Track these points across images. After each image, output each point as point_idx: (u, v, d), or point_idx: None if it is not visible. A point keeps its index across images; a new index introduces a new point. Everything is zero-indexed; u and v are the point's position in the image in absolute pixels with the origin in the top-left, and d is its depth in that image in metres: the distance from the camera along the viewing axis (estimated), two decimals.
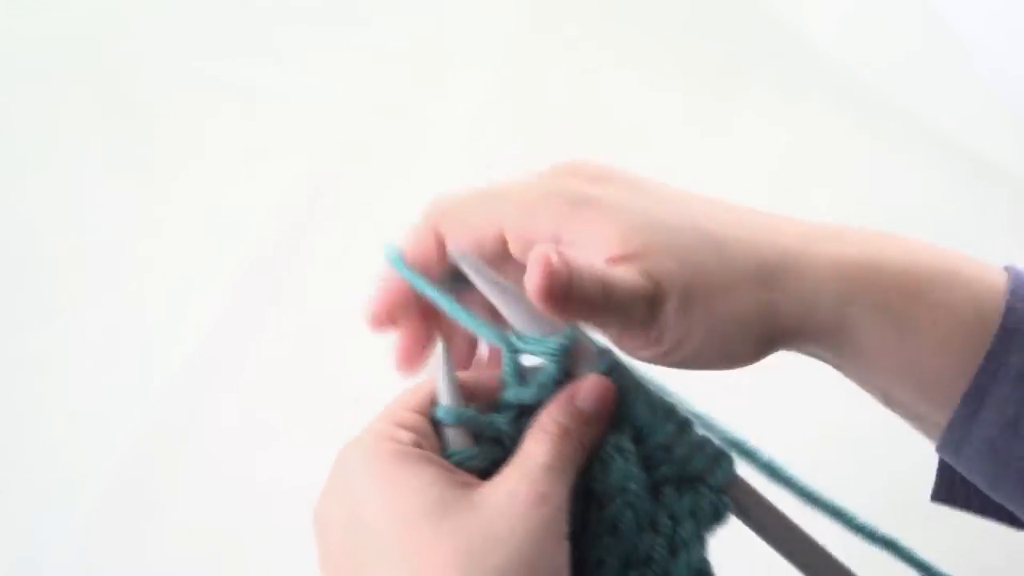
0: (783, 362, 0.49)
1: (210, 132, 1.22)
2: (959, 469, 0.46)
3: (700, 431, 0.46)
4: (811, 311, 0.43)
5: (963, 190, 1.21)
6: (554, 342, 0.45)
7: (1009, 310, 0.43)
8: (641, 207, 0.44)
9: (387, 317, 0.50)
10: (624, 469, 0.44)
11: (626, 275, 0.41)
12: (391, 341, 0.50)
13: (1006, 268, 0.45)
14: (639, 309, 0.41)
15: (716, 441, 0.46)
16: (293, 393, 0.99)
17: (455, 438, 0.44)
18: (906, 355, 0.44)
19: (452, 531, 0.38)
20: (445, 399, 0.45)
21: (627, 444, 0.45)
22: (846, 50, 1.34)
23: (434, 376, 0.46)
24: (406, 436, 0.42)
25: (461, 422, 0.44)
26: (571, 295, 0.39)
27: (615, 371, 0.45)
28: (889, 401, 0.46)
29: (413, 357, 0.49)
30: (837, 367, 0.46)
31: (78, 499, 0.92)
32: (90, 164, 1.18)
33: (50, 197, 1.14)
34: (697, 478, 0.45)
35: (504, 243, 0.45)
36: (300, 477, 0.95)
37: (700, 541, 0.46)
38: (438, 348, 0.46)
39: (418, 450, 0.41)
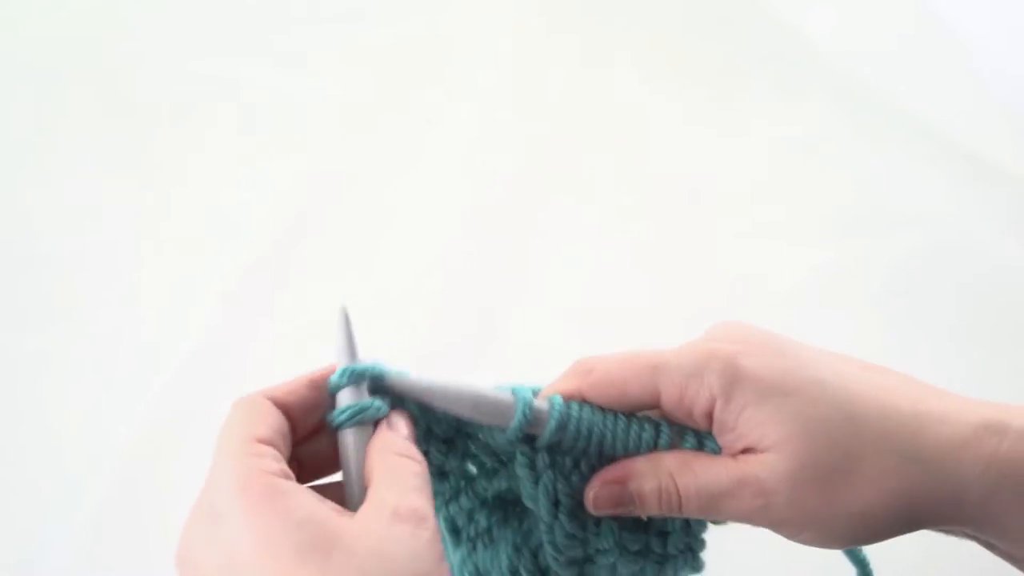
0: None
1: (210, 132, 1.22)
2: None
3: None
4: (954, 499, 0.44)
5: (963, 190, 1.20)
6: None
7: None
8: (784, 389, 0.45)
9: None
10: (615, 524, 0.49)
11: (731, 507, 0.46)
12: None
13: None
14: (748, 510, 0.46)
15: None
16: None
17: (347, 397, 0.45)
18: None
19: (341, 564, 0.37)
20: (345, 360, 0.46)
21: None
22: (846, 50, 1.34)
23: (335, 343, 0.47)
24: (273, 464, 0.41)
25: (365, 377, 0.45)
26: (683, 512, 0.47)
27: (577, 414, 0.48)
28: None
29: None
30: (988, 548, 0.47)
31: (78, 499, 0.91)
32: (90, 164, 1.18)
33: (50, 197, 1.14)
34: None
35: (655, 404, 0.48)
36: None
37: (691, 550, 0.51)
38: (340, 314, 0.47)
39: (287, 482, 0.40)
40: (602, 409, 0.48)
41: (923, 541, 0.50)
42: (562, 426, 0.47)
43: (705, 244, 1.13)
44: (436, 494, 0.50)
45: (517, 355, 1.01)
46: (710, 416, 0.47)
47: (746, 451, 0.46)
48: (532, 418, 0.47)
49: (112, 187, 1.16)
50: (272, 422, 0.43)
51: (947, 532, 0.47)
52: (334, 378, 0.46)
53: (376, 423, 0.45)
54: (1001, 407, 0.46)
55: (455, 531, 0.51)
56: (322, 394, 0.46)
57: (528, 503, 0.48)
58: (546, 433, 0.47)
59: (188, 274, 1.08)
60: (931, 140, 1.25)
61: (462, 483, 0.50)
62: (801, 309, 1.03)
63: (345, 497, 0.44)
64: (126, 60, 1.28)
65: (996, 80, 1.26)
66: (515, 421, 0.46)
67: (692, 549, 0.50)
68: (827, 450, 0.44)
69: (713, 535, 0.52)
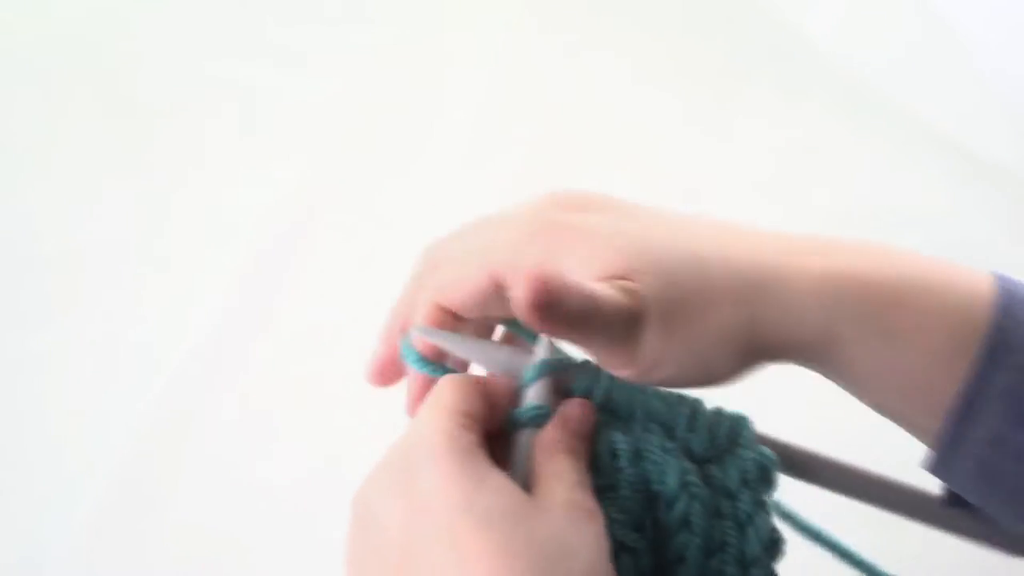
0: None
1: (210, 132, 1.22)
2: (950, 486, 0.46)
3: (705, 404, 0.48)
4: (795, 326, 0.44)
5: (963, 190, 1.21)
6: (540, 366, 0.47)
7: (994, 320, 0.43)
8: (624, 230, 0.44)
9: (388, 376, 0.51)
10: (679, 466, 0.46)
11: (609, 293, 0.42)
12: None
13: (993, 275, 0.46)
14: (620, 326, 0.42)
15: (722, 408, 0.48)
16: (293, 393, 0.99)
17: (538, 393, 0.46)
18: (894, 366, 0.44)
19: (528, 538, 0.37)
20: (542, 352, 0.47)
21: (668, 443, 0.47)
22: (846, 50, 1.34)
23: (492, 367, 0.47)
24: (474, 436, 0.41)
25: (553, 371, 0.46)
26: (559, 309, 0.40)
27: (608, 384, 0.47)
28: (883, 412, 0.46)
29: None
30: (826, 377, 0.46)
31: (78, 499, 0.91)
32: (90, 164, 1.18)
33: (50, 197, 1.14)
34: (728, 447, 0.47)
35: (502, 287, 0.46)
36: (300, 477, 0.96)
37: (761, 508, 0.47)
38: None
39: (485, 455, 0.41)
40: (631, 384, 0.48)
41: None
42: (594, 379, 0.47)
43: None
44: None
45: None
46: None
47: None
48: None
49: (112, 187, 1.16)
50: (478, 404, 0.43)
51: (796, 363, 0.46)
52: (529, 372, 0.46)
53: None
54: (827, 236, 0.46)
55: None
56: (512, 400, 0.46)
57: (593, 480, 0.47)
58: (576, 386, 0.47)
59: (188, 274, 1.08)
60: (931, 140, 1.25)
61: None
62: None
63: (513, 453, 0.45)
64: (126, 60, 1.28)
65: (996, 80, 1.26)
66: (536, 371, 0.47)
67: (762, 506, 0.47)
68: (678, 281, 0.43)
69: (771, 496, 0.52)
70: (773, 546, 0.47)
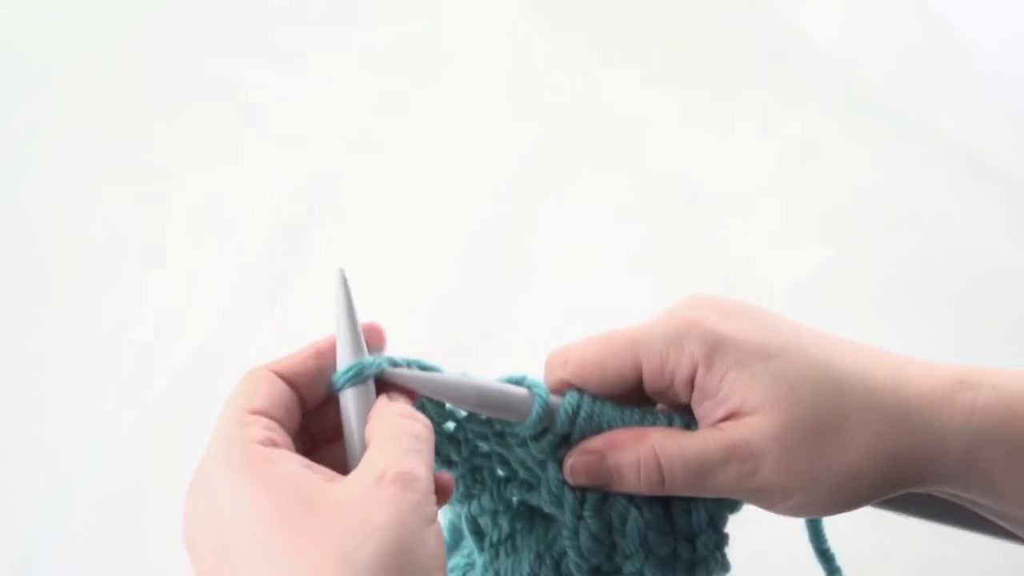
0: None
1: (210, 132, 1.22)
2: None
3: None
4: (937, 459, 0.44)
5: (963, 190, 1.20)
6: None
7: None
8: (766, 353, 0.45)
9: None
10: (642, 519, 0.48)
11: (723, 478, 0.45)
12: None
13: None
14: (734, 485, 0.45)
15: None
16: None
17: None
18: None
19: (320, 529, 0.37)
20: (345, 329, 0.46)
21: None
22: (846, 50, 1.34)
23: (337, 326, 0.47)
24: (259, 432, 0.41)
25: (367, 376, 0.45)
26: (666, 487, 0.46)
27: (589, 409, 0.48)
28: None
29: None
30: (966, 504, 0.47)
31: (78, 499, 0.91)
32: (90, 164, 1.18)
33: (50, 197, 1.14)
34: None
35: (637, 385, 0.48)
36: None
37: (719, 546, 0.49)
38: (338, 278, 0.48)
39: (270, 448, 0.40)
40: (617, 404, 0.48)
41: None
42: (573, 417, 0.47)
43: (705, 244, 1.13)
44: (460, 487, 0.50)
45: (516, 355, 1.01)
46: (691, 384, 0.46)
47: (729, 418, 0.46)
48: (549, 410, 0.47)
49: (112, 187, 1.16)
50: (270, 393, 0.44)
51: (932, 491, 0.47)
52: (338, 376, 0.45)
53: (378, 382, 0.45)
54: (972, 366, 0.47)
55: (478, 533, 0.51)
56: (327, 363, 0.46)
57: (551, 507, 0.48)
58: (557, 424, 0.47)
59: (188, 274, 1.08)
60: (931, 140, 1.24)
61: (488, 482, 0.50)
62: (801, 308, 1.03)
63: (347, 460, 0.44)
64: (126, 60, 1.28)
65: (996, 80, 1.26)
66: (534, 414, 0.46)
67: (719, 548, 0.49)
68: (813, 410, 0.44)
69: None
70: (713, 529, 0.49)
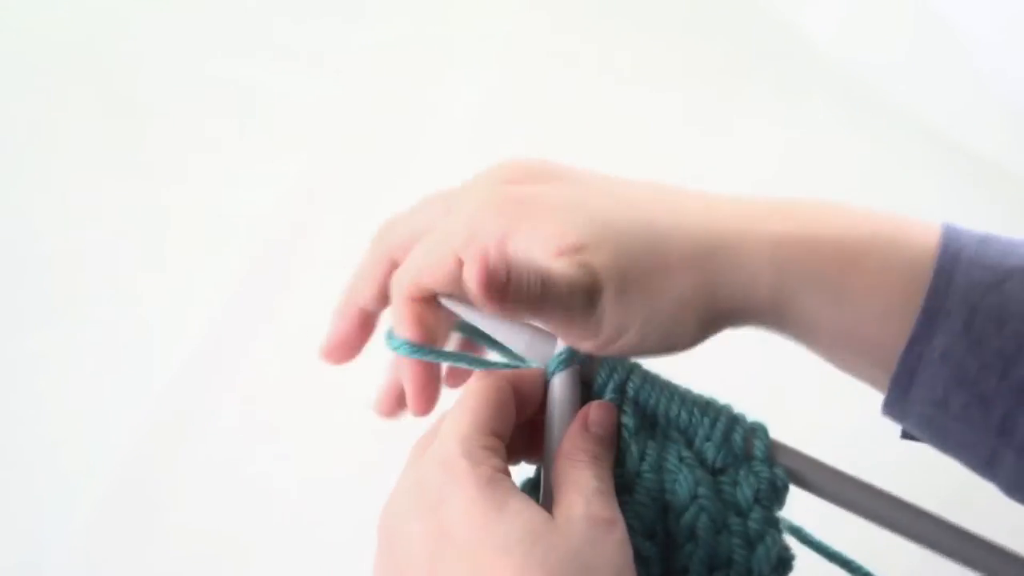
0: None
1: (210, 132, 1.22)
2: (905, 430, 0.48)
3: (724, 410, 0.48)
4: (748, 291, 0.44)
5: (963, 190, 1.20)
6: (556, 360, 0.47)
7: (932, 284, 0.44)
8: (579, 203, 0.45)
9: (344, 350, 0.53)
10: (692, 476, 0.46)
11: (563, 268, 0.42)
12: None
13: (942, 228, 0.48)
14: (577, 300, 0.43)
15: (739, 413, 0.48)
16: (293, 393, 0.99)
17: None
18: (845, 325, 0.45)
19: (543, 559, 0.39)
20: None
21: (685, 452, 0.47)
22: (846, 50, 1.34)
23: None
24: (499, 461, 0.42)
25: (580, 361, 0.47)
26: (510, 288, 0.41)
27: (638, 383, 0.47)
28: (841, 368, 0.47)
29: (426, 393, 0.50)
30: (783, 337, 0.47)
31: (78, 499, 0.91)
32: (90, 164, 1.18)
33: (50, 197, 1.14)
34: (744, 459, 0.47)
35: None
36: (300, 477, 0.96)
37: (772, 524, 0.47)
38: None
39: (507, 478, 0.42)
40: (664, 380, 0.48)
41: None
42: (612, 368, 0.48)
43: None
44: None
45: None
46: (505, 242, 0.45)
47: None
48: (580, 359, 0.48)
49: (112, 187, 1.16)
50: (508, 413, 0.45)
51: (757, 326, 0.47)
52: (554, 362, 0.47)
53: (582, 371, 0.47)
54: (782, 198, 0.47)
55: None
56: (542, 392, 0.47)
57: (616, 477, 0.47)
58: (602, 373, 0.48)
59: (188, 274, 1.08)
60: (931, 140, 1.24)
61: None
62: None
63: (545, 448, 0.46)
64: (126, 60, 1.28)
65: (996, 80, 1.26)
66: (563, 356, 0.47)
67: (774, 526, 0.47)
68: (634, 246, 0.44)
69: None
70: (782, 565, 0.47)
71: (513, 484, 0.42)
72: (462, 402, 0.44)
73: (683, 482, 0.46)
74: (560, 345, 0.47)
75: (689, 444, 0.47)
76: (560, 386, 0.47)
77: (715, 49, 1.35)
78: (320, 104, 1.27)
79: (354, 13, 1.37)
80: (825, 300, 0.44)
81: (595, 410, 0.46)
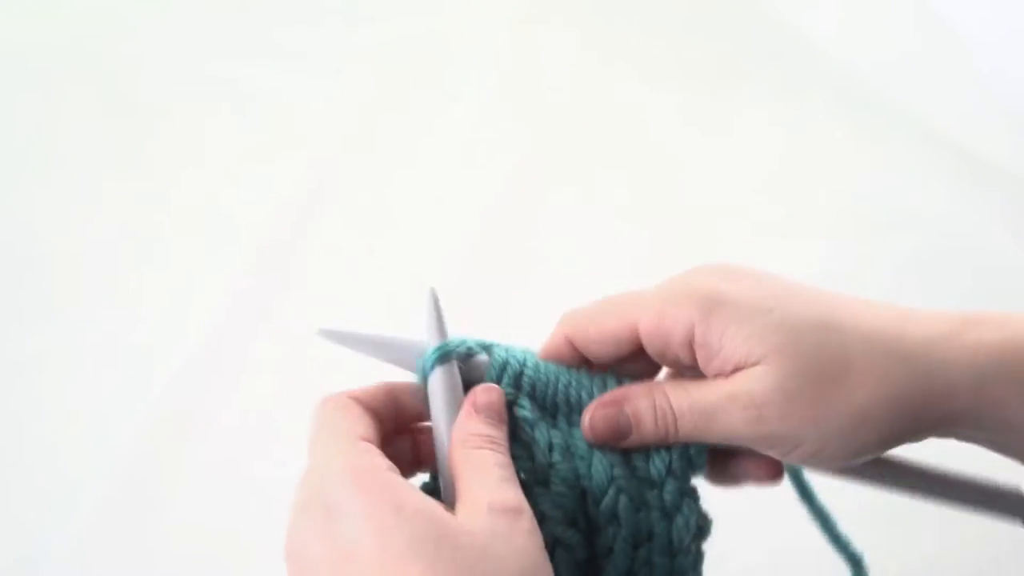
0: None
1: (210, 132, 1.22)
2: None
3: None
4: (946, 400, 0.44)
5: (963, 190, 1.20)
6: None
7: None
8: (766, 308, 0.46)
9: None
10: (606, 460, 0.47)
11: (728, 415, 0.45)
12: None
13: None
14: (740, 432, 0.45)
15: None
16: (293, 393, 0.99)
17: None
18: None
19: (451, 557, 0.38)
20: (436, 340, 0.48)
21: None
22: (846, 50, 1.34)
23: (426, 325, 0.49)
24: (381, 460, 0.42)
25: (449, 358, 0.48)
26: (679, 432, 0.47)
27: (532, 373, 0.48)
28: None
29: None
30: (987, 447, 0.47)
31: (78, 499, 0.91)
32: (90, 164, 1.18)
33: (50, 197, 1.14)
34: None
35: (637, 344, 0.48)
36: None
37: (687, 494, 0.48)
38: (429, 296, 0.50)
39: (397, 476, 0.41)
40: (560, 364, 0.49)
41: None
42: (504, 364, 0.48)
43: (705, 244, 1.13)
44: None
45: None
46: (690, 344, 0.46)
47: (734, 372, 0.46)
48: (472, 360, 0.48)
49: (112, 187, 1.16)
50: (367, 422, 0.45)
51: (946, 435, 0.47)
52: (427, 357, 0.48)
53: (467, 363, 0.48)
54: (974, 309, 0.47)
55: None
56: (397, 403, 0.48)
57: (521, 467, 0.47)
58: (491, 372, 0.48)
59: (188, 274, 1.08)
60: (931, 140, 1.25)
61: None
62: None
63: (435, 447, 0.46)
64: (126, 60, 1.28)
65: (996, 80, 1.26)
66: (420, 365, 0.48)
67: (689, 496, 0.49)
68: (815, 357, 0.44)
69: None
70: (701, 533, 0.49)
71: (404, 480, 0.41)
72: (322, 420, 0.45)
73: (598, 466, 0.47)
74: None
75: None
76: (439, 381, 0.47)
77: (715, 49, 1.36)
78: (320, 104, 1.27)
79: (354, 14, 1.37)
80: None
81: (481, 393, 0.46)
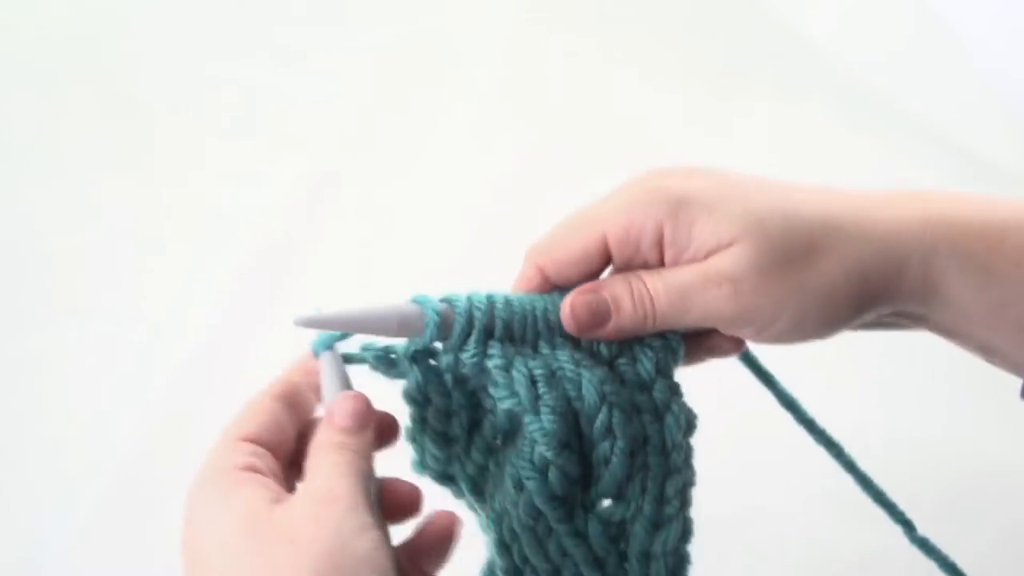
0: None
1: (210, 132, 1.22)
2: None
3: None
4: (900, 271, 0.46)
5: (962, 189, 1.20)
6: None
7: None
8: (731, 196, 0.48)
9: None
10: (595, 379, 0.48)
11: (704, 293, 0.47)
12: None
13: None
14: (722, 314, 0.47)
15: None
16: None
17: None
18: (993, 302, 0.46)
19: (267, 548, 0.42)
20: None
21: (577, 353, 0.49)
22: (846, 50, 1.34)
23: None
24: (241, 459, 0.46)
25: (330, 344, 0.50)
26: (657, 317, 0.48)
27: (504, 312, 0.49)
28: (988, 353, 0.49)
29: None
30: (930, 327, 0.49)
31: (78, 499, 0.91)
32: (90, 164, 1.18)
33: (50, 197, 1.14)
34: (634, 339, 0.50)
35: (606, 257, 0.49)
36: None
37: (675, 392, 0.50)
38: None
39: (247, 474, 0.45)
40: (532, 294, 0.51)
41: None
42: (469, 317, 0.49)
43: None
44: (451, 458, 0.52)
45: None
46: (660, 245, 0.48)
47: (707, 257, 0.47)
48: (442, 320, 0.49)
49: (112, 187, 1.16)
50: (262, 419, 0.48)
51: (894, 320, 0.48)
52: (315, 344, 0.51)
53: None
54: (921, 189, 0.50)
55: (477, 491, 0.52)
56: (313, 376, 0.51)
57: (509, 401, 0.48)
58: (456, 328, 0.49)
59: (188, 274, 1.08)
60: (931, 140, 1.25)
61: (468, 441, 0.52)
62: None
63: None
64: (126, 60, 1.28)
65: (996, 80, 1.26)
66: (429, 321, 0.48)
67: (677, 394, 0.50)
68: (783, 239, 0.46)
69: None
70: (690, 428, 0.50)
71: (257, 478, 0.45)
72: (238, 412, 0.50)
73: (587, 386, 0.48)
74: (427, 317, 0.49)
75: (576, 345, 0.50)
76: (325, 366, 0.50)
77: (715, 49, 1.35)
78: (320, 104, 1.26)
79: (354, 14, 1.37)
80: (973, 279, 0.46)
81: (339, 403, 0.48)
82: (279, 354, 1.06)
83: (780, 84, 1.32)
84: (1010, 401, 0.49)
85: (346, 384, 0.49)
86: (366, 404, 0.48)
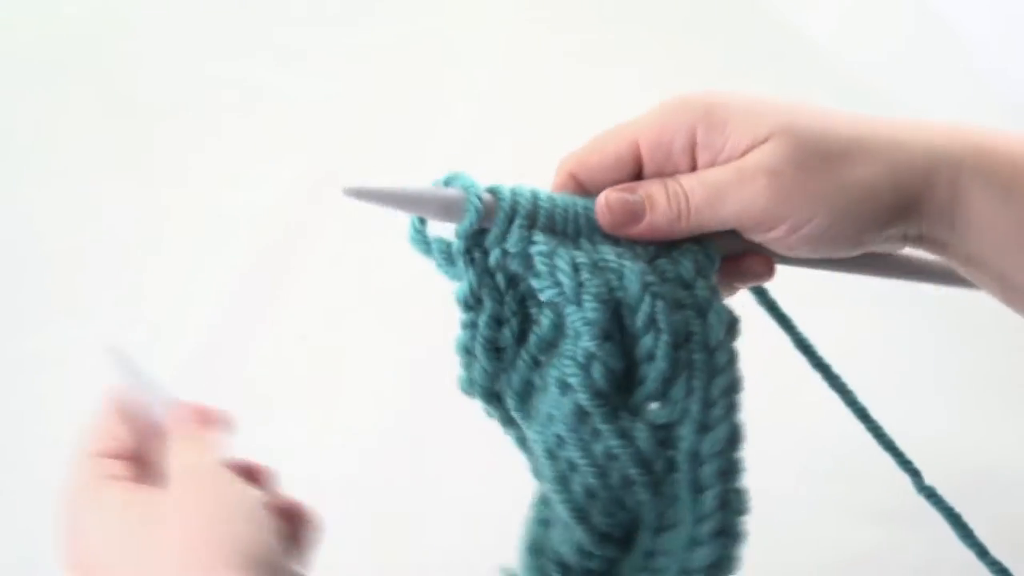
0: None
1: (210, 132, 1.22)
2: None
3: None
4: (929, 181, 0.47)
5: None
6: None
7: None
8: (762, 104, 0.48)
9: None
10: (636, 269, 0.48)
11: (741, 187, 0.46)
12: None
13: None
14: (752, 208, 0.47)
15: None
16: (293, 393, 0.99)
17: None
18: (1012, 221, 0.47)
19: (144, 522, 0.46)
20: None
21: (619, 248, 0.49)
22: (846, 50, 1.34)
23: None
24: (100, 469, 0.51)
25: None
26: (691, 215, 0.48)
27: (547, 205, 0.50)
28: (1004, 286, 0.49)
29: None
30: (949, 254, 0.49)
31: None
32: (90, 164, 1.18)
33: (50, 197, 1.14)
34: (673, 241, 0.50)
35: (639, 163, 0.50)
36: (300, 476, 0.95)
37: (715, 293, 0.49)
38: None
39: (107, 478, 0.50)
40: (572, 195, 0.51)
41: None
42: (513, 203, 0.50)
43: None
44: (499, 372, 0.51)
45: None
46: (692, 151, 0.48)
47: (743, 155, 0.47)
48: (485, 205, 0.50)
49: (112, 187, 1.16)
50: (109, 433, 0.55)
51: (925, 234, 0.48)
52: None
53: None
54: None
55: (524, 406, 0.52)
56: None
57: (551, 293, 0.48)
58: (500, 213, 0.50)
59: (188, 274, 1.08)
60: None
61: (516, 352, 0.51)
62: (801, 308, 1.03)
63: None
64: (126, 60, 1.28)
65: (996, 80, 1.26)
66: (471, 208, 0.50)
67: (718, 295, 0.50)
68: (821, 137, 0.46)
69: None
70: (733, 327, 0.49)
71: (119, 479, 0.50)
72: (92, 429, 0.55)
73: (630, 275, 0.47)
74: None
75: (616, 242, 0.49)
76: (130, 379, 0.56)
77: (715, 49, 1.36)
78: (320, 105, 1.27)
79: (354, 14, 1.37)
80: (996, 195, 0.46)
81: (181, 406, 0.54)
82: (279, 354, 1.06)
83: (780, 84, 1.32)
84: (1012, 396, 0.49)
85: (158, 384, 0.54)
86: (202, 406, 0.53)
